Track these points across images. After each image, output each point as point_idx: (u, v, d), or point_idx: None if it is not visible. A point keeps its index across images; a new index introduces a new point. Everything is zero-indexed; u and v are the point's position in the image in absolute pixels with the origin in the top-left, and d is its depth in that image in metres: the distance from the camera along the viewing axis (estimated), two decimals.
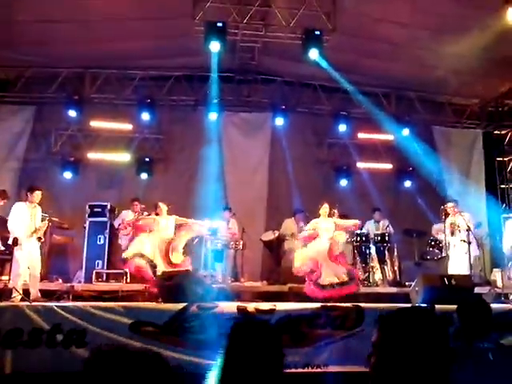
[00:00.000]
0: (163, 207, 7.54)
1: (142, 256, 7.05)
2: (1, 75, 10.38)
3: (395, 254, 8.78)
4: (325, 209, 7.41)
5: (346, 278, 6.77)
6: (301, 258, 7.05)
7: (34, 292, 6.55)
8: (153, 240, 7.28)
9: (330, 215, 7.52)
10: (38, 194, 6.84)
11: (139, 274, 7.16)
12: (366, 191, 10.33)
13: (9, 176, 9.80)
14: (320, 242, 7.17)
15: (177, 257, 7.27)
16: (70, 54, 9.64)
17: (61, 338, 5.23)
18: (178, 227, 7.54)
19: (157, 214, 7.59)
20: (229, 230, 8.72)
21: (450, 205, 8.10)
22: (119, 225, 8.60)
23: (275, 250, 9.27)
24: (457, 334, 2.80)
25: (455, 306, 2.98)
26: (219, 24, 8.12)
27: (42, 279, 6.95)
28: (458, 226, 7.88)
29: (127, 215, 8.65)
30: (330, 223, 7.35)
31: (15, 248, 6.48)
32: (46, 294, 6.79)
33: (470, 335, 2.64)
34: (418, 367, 1.40)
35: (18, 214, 6.71)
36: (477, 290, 6.96)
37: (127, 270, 7.64)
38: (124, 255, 7.23)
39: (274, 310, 5.57)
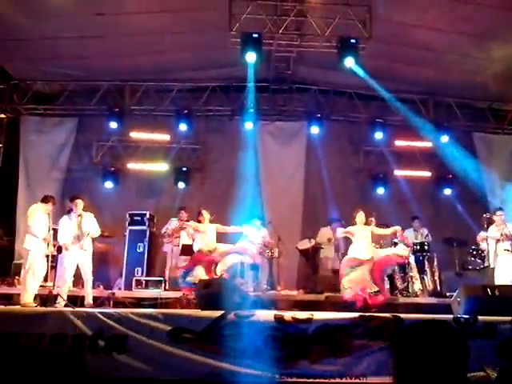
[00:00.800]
0: (206, 215, 7.66)
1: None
2: (45, 89, 10.84)
3: (435, 263, 8.57)
4: (360, 216, 7.42)
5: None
6: (347, 286, 7.09)
7: (88, 299, 6.85)
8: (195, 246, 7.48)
9: (367, 224, 7.48)
10: (77, 203, 7.10)
11: None
12: (404, 199, 10.15)
13: (53, 186, 10.15)
14: (357, 248, 7.22)
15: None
16: (110, 68, 9.99)
17: (102, 343, 5.35)
18: (220, 235, 7.68)
19: (199, 221, 7.72)
20: (263, 239, 8.75)
21: (499, 213, 7.80)
22: (164, 232, 8.81)
23: (311, 259, 9.23)
24: (505, 345, 2.73)
25: (499, 318, 2.90)
26: (255, 35, 8.21)
27: (82, 286, 7.16)
28: (502, 235, 7.63)
29: (172, 223, 8.83)
30: (366, 231, 7.33)
31: (60, 255, 6.74)
32: None
33: None
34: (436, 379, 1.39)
35: (63, 226, 7.03)
36: None
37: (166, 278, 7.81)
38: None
39: (312, 319, 5.54)
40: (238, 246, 7.65)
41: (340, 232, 7.74)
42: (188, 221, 8.50)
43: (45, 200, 7.17)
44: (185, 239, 8.62)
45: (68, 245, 6.83)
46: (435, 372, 1.40)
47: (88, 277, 6.94)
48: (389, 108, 10.63)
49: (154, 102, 10.72)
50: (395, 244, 8.31)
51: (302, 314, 5.67)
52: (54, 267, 7.46)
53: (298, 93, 11.12)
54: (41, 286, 7.42)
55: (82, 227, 6.97)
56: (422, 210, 9.84)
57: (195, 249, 7.64)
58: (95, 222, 7.22)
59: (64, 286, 6.72)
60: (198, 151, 11.04)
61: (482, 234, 8.03)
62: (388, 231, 7.59)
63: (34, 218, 6.98)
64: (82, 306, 6.65)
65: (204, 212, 7.71)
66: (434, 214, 10.58)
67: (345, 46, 8.34)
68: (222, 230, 7.73)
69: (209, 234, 7.61)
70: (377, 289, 6.87)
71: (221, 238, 7.91)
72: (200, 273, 7.21)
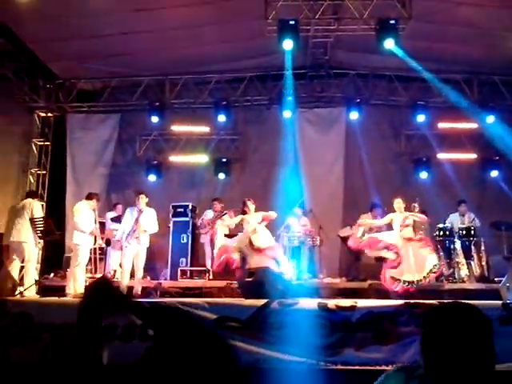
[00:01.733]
0: (251, 206, 7.66)
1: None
2: (88, 87, 11.18)
3: (482, 248, 8.33)
4: (398, 204, 7.33)
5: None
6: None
7: (136, 289, 7.15)
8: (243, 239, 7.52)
9: (411, 210, 7.38)
10: (140, 198, 7.41)
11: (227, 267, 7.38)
12: (448, 183, 9.88)
13: (99, 181, 10.53)
14: (393, 235, 7.16)
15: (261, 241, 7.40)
16: (150, 63, 10.16)
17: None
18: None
19: (244, 213, 7.76)
20: (303, 227, 8.74)
21: None
22: (200, 224, 8.95)
23: None
24: None
25: None
26: (291, 22, 8.15)
27: (131, 277, 7.43)
28: None
29: (207, 214, 8.98)
30: (408, 219, 7.26)
31: (109, 248, 7.04)
32: None
33: None
34: (459, 363, 1.37)
35: (124, 219, 7.37)
36: None
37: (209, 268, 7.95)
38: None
39: (355, 306, 5.55)
40: (269, 252, 7.51)
41: (381, 221, 7.68)
42: (222, 211, 8.59)
43: (89, 197, 7.52)
44: (222, 229, 8.74)
45: (123, 241, 7.12)
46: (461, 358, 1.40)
47: (139, 269, 7.21)
48: (430, 89, 10.33)
49: (193, 94, 10.84)
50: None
51: (346, 302, 5.69)
52: (102, 259, 7.76)
53: (335, 78, 10.96)
54: (91, 277, 7.75)
55: (139, 222, 7.20)
56: (468, 193, 9.54)
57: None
58: (155, 218, 7.43)
59: (125, 278, 7.06)
60: (237, 142, 11.12)
61: None
62: (424, 217, 7.46)
63: (80, 215, 7.30)
64: (131, 295, 6.91)
65: (249, 203, 7.71)
66: (480, 198, 10.26)
67: (384, 27, 8.16)
68: (266, 216, 7.73)
69: (254, 223, 7.63)
70: (418, 278, 6.78)
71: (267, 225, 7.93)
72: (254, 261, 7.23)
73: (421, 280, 6.79)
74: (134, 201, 7.50)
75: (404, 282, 6.76)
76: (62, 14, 8.17)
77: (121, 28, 8.73)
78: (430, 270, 6.86)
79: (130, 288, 7.19)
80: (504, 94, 10.45)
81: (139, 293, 7.10)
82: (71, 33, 8.67)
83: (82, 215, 7.29)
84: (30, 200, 7.63)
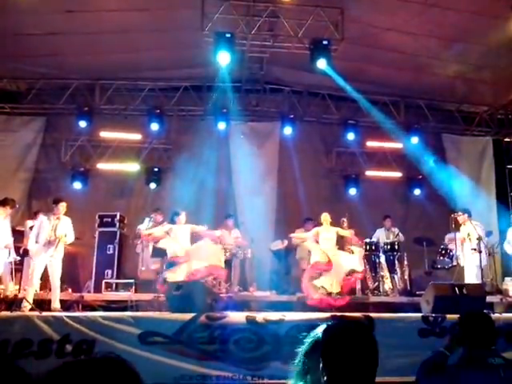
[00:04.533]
0: (183, 217, 7.56)
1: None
2: (12, 87, 10.53)
3: (405, 262, 8.70)
4: (325, 217, 7.54)
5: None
6: (318, 251, 7.22)
7: (54, 303, 6.64)
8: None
9: (340, 224, 7.56)
10: (62, 206, 6.89)
11: None
12: (375, 200, 10.29)
13: (20, 187, 9.89)
14: (320, 251, 7.33)
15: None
16: (80, 66, 9.77)
17: (70, 348, 5.25)
18: (195, 236, 7.59)
19: (174, 223, 7.61)
20: (235, 239, 8.70)
21: (460, 213, 8.04)
22: (137, 233, 8.60)
23: (284, 260, 9.23)
24: (453, 342, 2.83)
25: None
26: (227, 35, 8.17)
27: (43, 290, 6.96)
28: (469, 235, 7.82)
29: (148, 222, 8.60)
30: (331, 233, 7.45)
31: (26, 258, 6.53)
32: None
33: (473, 346, 2.63)
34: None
35: (38, 226, 6.76)
36: (488, 298, 6.89)
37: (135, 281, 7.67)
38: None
39: (284, 319, 5.55)
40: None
41: (308, 234, 7.86)
42: (162, 222, 8.36)
43: (3, 202, 6.78)
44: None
45: (37, 250, 6.59)
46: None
47: (56, 281, 6.74)
48: (361, 109, 10.74)
49: (124, 100, 10.54)
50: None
51: (274, 315, 5.68)
52: (19, 270, 7.23)
53: (271, 93, 11.12)
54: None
55: (56, 231, 6.74)
56: (393, 210, 9.99)
57: (169, 251, 7.46)
58: (71, 227, 7.00)
59: (30, 290, 6.50)
60: (169, 151, 10.90)
61: (448, 235, 8.23)
62: (347, 233, 7.69)
63: None
64: (49, 310, 6.46)
65: (183, 213, 7.63)
66: (405, 214, 10.76)
67: (317, 47, 8.37)
68: (196, 230, 7.63)
69: (183, 235, 7.50)
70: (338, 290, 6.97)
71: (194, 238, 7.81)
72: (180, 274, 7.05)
73: (338, 294, 6.97)
74: (51, 208, 6.98)
75: (322, 287, 6.94)
76: None
77: (50, 28, 8.34)
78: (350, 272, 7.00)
79: (49, 302, 6.73)
80: (428, 116, 11.09)
81: (58, 307, 6.63)
82: None
83: None
84: None
